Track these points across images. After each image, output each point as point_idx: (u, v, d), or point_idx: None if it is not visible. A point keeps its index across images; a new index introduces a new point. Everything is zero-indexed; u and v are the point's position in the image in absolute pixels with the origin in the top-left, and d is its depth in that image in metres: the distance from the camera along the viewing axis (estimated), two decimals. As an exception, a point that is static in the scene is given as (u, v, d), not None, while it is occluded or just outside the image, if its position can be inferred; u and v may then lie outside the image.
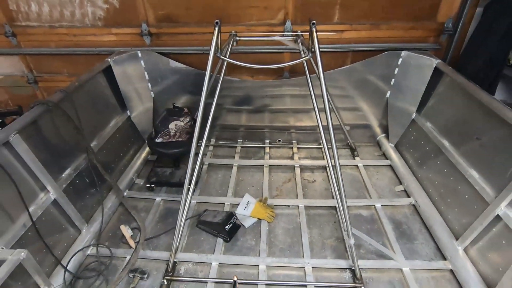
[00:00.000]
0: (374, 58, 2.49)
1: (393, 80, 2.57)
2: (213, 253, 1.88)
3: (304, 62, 1.60)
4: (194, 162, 1.66)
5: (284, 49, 2.58)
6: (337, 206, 2.15)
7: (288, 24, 2.48)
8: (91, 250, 1.89)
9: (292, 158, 2.76)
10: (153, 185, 2.38)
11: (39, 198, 1.67)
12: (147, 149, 2.79)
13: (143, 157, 2.74)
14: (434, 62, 2.25)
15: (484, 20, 2.34)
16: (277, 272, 1.78)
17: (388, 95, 2.66)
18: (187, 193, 1.67)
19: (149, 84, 2.72)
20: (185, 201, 1.68)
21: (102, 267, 1.79)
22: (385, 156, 2.73)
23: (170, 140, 2.27)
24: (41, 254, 1.63)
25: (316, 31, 1.43)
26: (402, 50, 2.44)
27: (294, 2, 2.41)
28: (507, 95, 2.72)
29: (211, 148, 2.93)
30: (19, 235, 1.50)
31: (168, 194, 2.36)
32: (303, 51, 1.73)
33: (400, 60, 2.47)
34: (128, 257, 1.84)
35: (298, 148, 2.89)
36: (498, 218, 1.56)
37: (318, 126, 1.60)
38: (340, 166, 1.55)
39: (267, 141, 2.98)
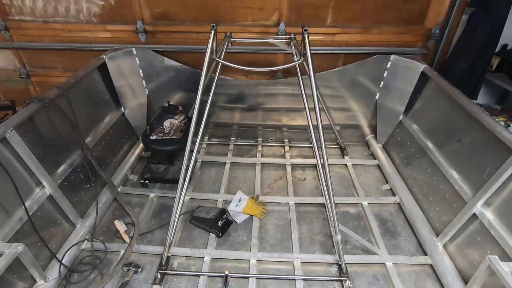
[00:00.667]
0: (364, 61, 2.58)
1: (382, 82, 2.66)
2: (206, 248, 1.94)
3: (297, 65, 1.66)
4: (189, 159, 1.71)
5: (277, 50, 2.64)
6: (325, 203, 2.24)
7: (282, 25, 2.54)
8: (86, 245, 1.93)
9: (283, 156, 2.84)
10: (147, 181, 2.42)
11: (35, 193, 1.70)
12: (141, 145, 2.83)
13: (137, 153, 2.78)
14: (421, 66, 2.35)
15: (468, 27, 2.44)
16: (267, 267, 1.85)
17: (377, 96, 2.75)
18: (181, 190, 1.72)
19: (144, 81, 2.75)
20: (179, 197, 1.73)
21: (97, 261, 1.83)
22: (373, 155, 2.83)
23: (164, 137, 2.31)
24: (37, 248, 1.66)
25: (308, 37, 1.49)
26: (391, 54, 2.53)
27: (288, 3, 2.47)
28: (489, 99, 2.85)
29: (204, 145, 2.98)
30: (15, 229, 1.53)
31: (162, 190, 2.40)
32: (296, 54, 1.79)
33: (389, 63, 2.55)
34: (122, 252, 1.89)
35: (289, 146, 2.96)
36: (474, 216, 1.66)
37: (309, 126, 1.66)
38: (329, 165, 1.63)
39: (260, 139, 3.04)
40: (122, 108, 2.70)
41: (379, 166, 2.69)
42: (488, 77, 2.58)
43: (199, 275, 1.76)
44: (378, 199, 2.33)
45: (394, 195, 2.36)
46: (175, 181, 2.39)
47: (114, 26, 2.60)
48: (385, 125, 2.76)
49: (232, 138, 3.05)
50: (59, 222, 1.86)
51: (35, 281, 1.61)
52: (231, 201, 2.26)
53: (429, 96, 2.34)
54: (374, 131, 2.94)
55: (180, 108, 2.42)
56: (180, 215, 2.03)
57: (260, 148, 2.93)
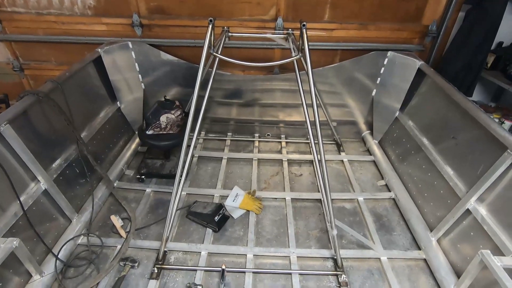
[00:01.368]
0: (361, 57, 2.58)
1: (379, 79, 2.67)
2: (203, 243, 1.94)
3: (294, 61, 1.66)
4: (186, 154, 1.71)
5: (275, 45, 2.63)
6: (322, 199, 2.25)
7: (280, 20, 2.52)
8: (82, 239, 1.92)
9: (280, 152, 2.84)
10: (143, 176, 2.41)
11: (30, 187, 1.69)
12: (137, 140, 2.81)
13: (133, 148, 2.76)
14: (418, 63, 2.36)
15: (465, 25, 2.45)
16: (263, 261, 1.87)
17: (374, 93, 2.76)
18: (178, 185, 1.72)
19: (140, 76, 2.72)
20: (176, 193, 1.73)
21: (93, 256, 1.83)
22: (369, 152, 2.85)
23: (161, 132, 2.30)
24: (32, 242, 1.65)
25: (307, 32, 1.49)
26: (388, 50, 2.53)
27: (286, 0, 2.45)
28: (484, 96, 2.88)
29: (201, 140, 2.97)
30: (10, 224, 1.52)
31: (158, 185, 2.40)
32: (294, 49, 1.78)
33: (386, 60, 2.56)
34: (118, 246, 1.89)
35: (286, 142, 2.97)
36: (468, 212, 1.69)
37: (306, 121, 1.67)
38: (325, 160, 1.64)
39: (257, 135, 3.04)
40: (118, 102, 2.67)
41: (374, 162, 2.71)
42: (483, 75, 2.60)
43: (195, 270, 1.77)
44: (374, 194, 2.36)
45: (389, 191, 2.39)
46: (171, 176, 2.38)
47: (109, 19, 2.57)
48: (381, 121, 2.77)
49: (229, 134, 3.04)
50: (54, 217, 1.85)
51: (31, 276, 1.61)
52: (227, 196, 2.27)
53: (425, 93, 2.36)
54: (370, 127, 2.95)
55: (177, 103, 2.41)
56: (176, 210, 2.03)
57: (257, 143, 2.93)
